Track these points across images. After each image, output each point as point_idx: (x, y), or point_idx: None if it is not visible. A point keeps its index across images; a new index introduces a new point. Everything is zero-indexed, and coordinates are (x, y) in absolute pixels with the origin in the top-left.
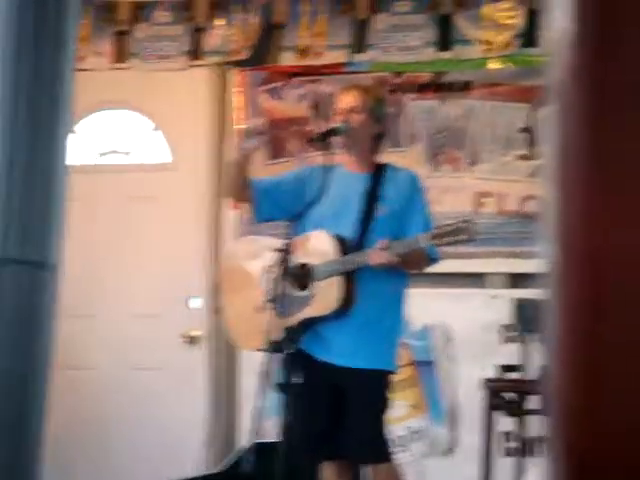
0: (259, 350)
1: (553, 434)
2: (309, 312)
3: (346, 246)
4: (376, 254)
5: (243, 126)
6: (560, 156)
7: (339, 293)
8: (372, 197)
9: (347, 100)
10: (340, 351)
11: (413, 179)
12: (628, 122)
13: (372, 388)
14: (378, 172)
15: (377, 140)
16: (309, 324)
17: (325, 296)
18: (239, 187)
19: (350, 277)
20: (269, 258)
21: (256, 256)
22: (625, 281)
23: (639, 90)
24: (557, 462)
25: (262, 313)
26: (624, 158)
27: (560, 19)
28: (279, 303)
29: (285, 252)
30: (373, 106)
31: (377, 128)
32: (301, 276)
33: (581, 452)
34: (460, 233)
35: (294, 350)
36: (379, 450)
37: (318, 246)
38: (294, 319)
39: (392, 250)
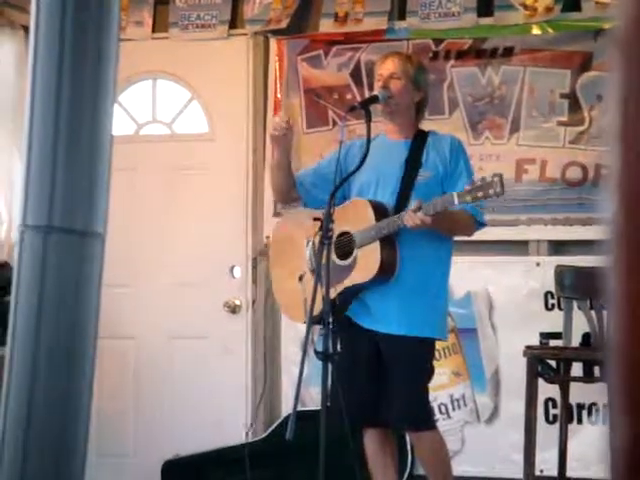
0: (304, 322)
1: (615, 403)
2: (351, 280)
3: (385, 211)
4: (409, 216)
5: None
6: (622, 113)
7: (379, 259)
8: (413, 163)
9: (387, 66)
10: (384, 318)
11: (455, 143)
12: None
13: (415, 355)
14: (419, 138)
15: (418, 107)
16: (353, 292)
17: (366, 263)
18: (285, 191)
19: (391, 243)
20: (312, 228)
21: (302, 226)
22: None
23: None
24: (619, 431)
25: (304, 283)
26: None
27: None
28: (321, 273)
29: (326, 221)
30: (413, 73)
31: (418, 95)
32: (343, 245)
33: None
34: (490, 187)
35: (337, 320)
36: (422, 418)
37: (357, 213)
38: (337, 288)
39: (426, 210)
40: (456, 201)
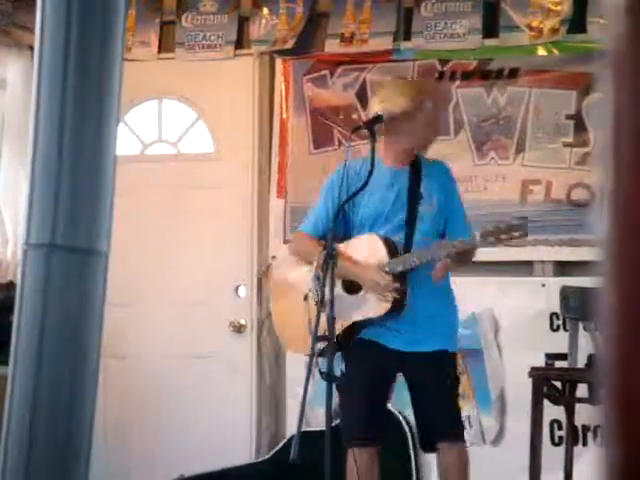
0: (306, 354)
1: (609, 423)
2: (362, 314)
3: (396, 248)
4: (435, 273)
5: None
6: (614, 132)
7: (392, 295)
8: (414, 194)
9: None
10: (414, 338)
11: (447, 171)
12: None
13: (447, 369)
14: (415, 166)
15: None
16: (363, 326)
17: (377, 298)
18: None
19: (402, 278)
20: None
21: (304, 261)
22: None
23: None
24: (613, 451)
25: (306, 315)
26: None
27: None
28: (327, 306)
29: (330, 240)
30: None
31: None
32: (351, 279)
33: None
34: (515, 230)
35: (346, 346)
36: (460, 428)
37: (370, 249)
38: (345, 321)
39: (447, 255)
40: (478, 242)
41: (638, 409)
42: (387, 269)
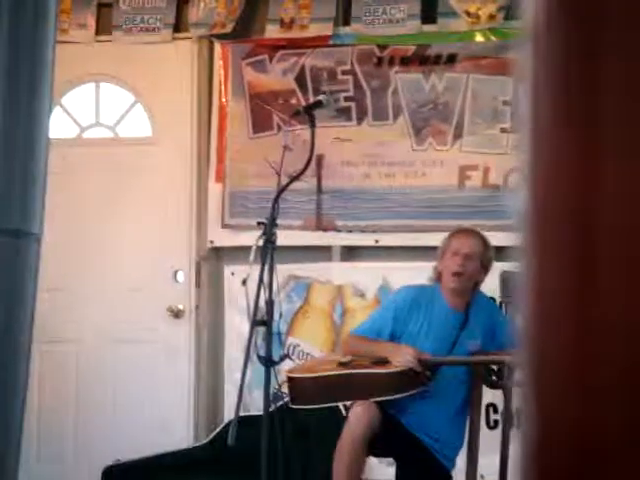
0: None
1: (531, 405)
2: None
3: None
4: None
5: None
6: (534, 111)
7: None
8: (460, 332)
9: (469, 244)
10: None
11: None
12: (609, 71)
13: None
14: (468, 309)
15: (476, 284)
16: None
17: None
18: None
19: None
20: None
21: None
22: (614, 239)
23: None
24: (533, 435)
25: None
26: (600, 110)
27: None
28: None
29: (269, 226)
30: (485, 253)
31: (482, 276)
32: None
33: (566, 426)
34: None
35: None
36: None
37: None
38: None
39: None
40: None
41: (551, 382)
42: (424, 357)
